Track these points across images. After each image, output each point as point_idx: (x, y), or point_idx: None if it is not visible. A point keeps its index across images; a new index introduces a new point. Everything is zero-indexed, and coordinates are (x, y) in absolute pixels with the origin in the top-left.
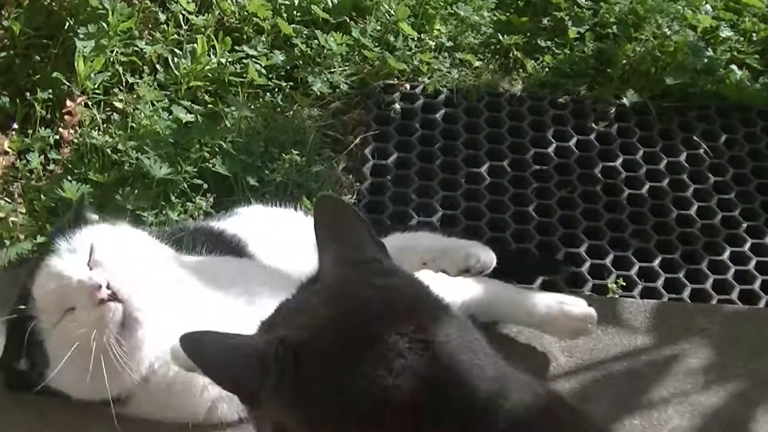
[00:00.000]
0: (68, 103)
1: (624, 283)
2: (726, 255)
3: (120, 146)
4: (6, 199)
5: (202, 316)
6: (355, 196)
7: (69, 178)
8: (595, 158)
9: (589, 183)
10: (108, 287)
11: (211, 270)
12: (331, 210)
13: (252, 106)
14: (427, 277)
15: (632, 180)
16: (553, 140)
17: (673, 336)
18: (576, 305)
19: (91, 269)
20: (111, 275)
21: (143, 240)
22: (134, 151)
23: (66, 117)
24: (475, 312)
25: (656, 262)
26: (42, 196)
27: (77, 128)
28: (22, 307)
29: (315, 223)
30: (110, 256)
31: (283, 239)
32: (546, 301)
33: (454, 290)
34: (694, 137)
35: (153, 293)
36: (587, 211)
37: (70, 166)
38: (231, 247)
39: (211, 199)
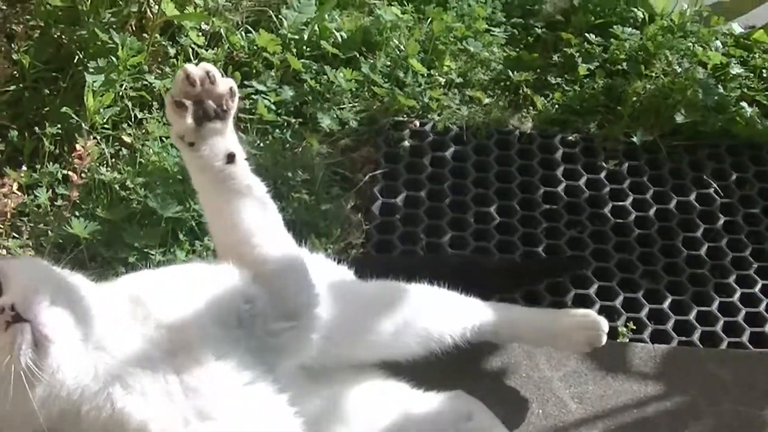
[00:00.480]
0: (78, 146)
1: (634, 327)
2: (736, 297)
3: (128, 183)
4: (15, 234)
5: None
6: (363, 236)
7: (77, 214)
8: (605, 197)
9: (599, 222)
10: (11, 308)
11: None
12: None
13: (261, 143)
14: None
15: (642, 220)
16: (563, 179)
17: (685, 382)
18: (586, 315)
19: None
20: (14, 298)
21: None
22: (142, 188)
23: (76, 160)
24: (489, 333)
25: (666, 304)
26: (49, 232)
27: (86, 170)
28: None
29: None
30: (14, 280)
31: None
32: (555, 315)
33: (461, 312)
34: (704, 176)
35: (68, 308)
36: (597, 252)
37: (77, 201)
38: None
39: None
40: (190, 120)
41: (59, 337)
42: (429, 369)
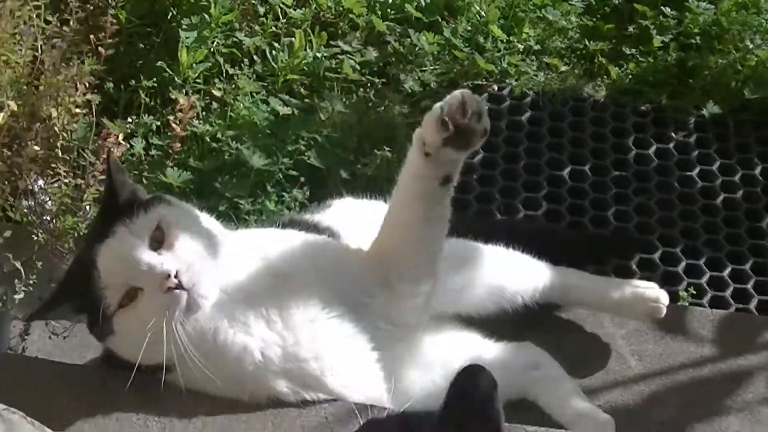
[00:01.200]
0: (180, 100)
1: (694, 292)
2: None
3: (219, 135)
4: None
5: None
6: None
7: (170, 163)
8: (673, 167)
9: (666, 191)
10: (176, 276)
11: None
12: None
13: (346, 102)
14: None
15: (707, 190)
16: (633, 147)
17: (739, 347)
18: (649, 288)
19: (158, 253)
20: (178, 264)
21: (208, 222)
22: (233, 141)
23: (179, 113)
24: (554, 296)
25: (726, 272)
26: (143, 180)
27: (185, 122)
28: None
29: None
30: (178, 241)
31: (373, 232)
32: (620, 285)
33: (532, 274)
34: None
35: (215, 274)
36: (662, 219)
37: (170, 152)
38: None
39: (307, 192)
40: (440, 138)
41: (209, 302)
42: (500, 323)
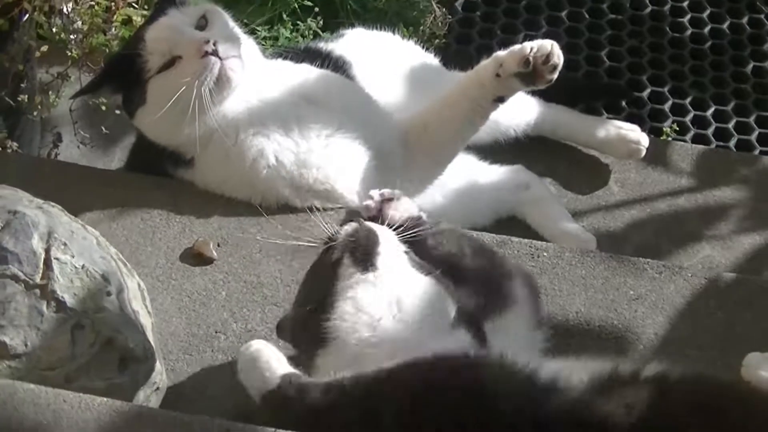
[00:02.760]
0: None
1: (678, 128)
2: None
3: None
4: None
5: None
6: (446, 28)
7: None
8: (665, 13)
9: (658, 35)
10: (213, 44)
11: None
12: None
13: None
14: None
15: (697, 36)
16: None
17: (716, 180)
18: (632, 130)
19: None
20: (217, 37)
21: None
22: None
23: None
24: (544, 131)
25: (710, 112)
26: None
27: None
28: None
29: None
30: (218, 28)
31: (381, 62)
32: (606, 125)
33: (525, 110)
34: (758, 3)
35: (246, 61)
36: (653, 60)
37: None
38: (337, 68)
39: (320, 21)
40: (517, 70)
41: (237, 80)
42: (493, 149)
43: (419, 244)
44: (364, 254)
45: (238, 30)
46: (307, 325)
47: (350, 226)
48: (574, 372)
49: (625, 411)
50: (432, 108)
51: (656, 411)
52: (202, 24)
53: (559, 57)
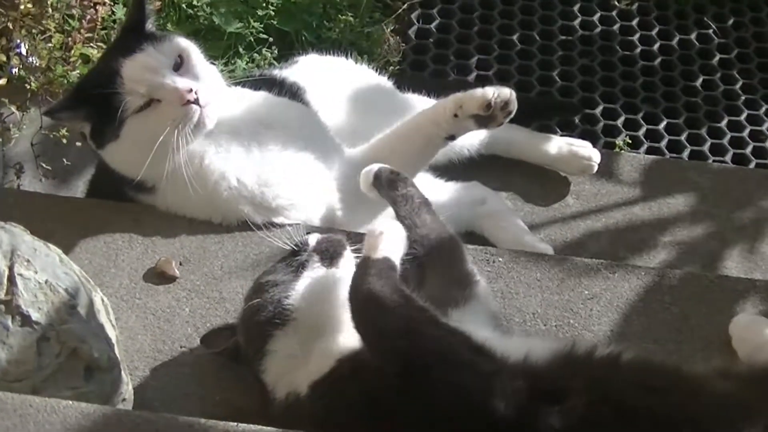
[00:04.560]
0: None
1: (630, 141)
2: (724, 123)
3: (195, 2)
4: (100, 44)
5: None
6: (400, 55)
7: None
8: (615, 32)
9: (609, 53)
10: (195, 93)
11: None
12: None
13: None
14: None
15: (647, 53)
16: (579, 14)
17: (668, 187)
18: (583, 147)
19: (179, 75)
20: (197, 85)
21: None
22: (208, 7)
23: None
24: (498, 150)
25: (662, 126)
26: None
27: None
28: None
29: None
30: (195, 70)
31: (334, 85)
32: (558, 142)
33: (480, 132)
34: (705, 18)
35: (220, 102)
36: (604, 78)
37: None
38: (292, 94)
39: (275, 52)
40: (475, 112)
41: (212, 124)
42: (449, 168)
43: None
44: (333, 255)
45: (207, 65)
46: (260, 315)
47: (318, 235)
48: (535, 348)
49: (584, 385)
50: (386, 140)
51: (607, 388)
52: (178, 62)
53: (515, 104)
